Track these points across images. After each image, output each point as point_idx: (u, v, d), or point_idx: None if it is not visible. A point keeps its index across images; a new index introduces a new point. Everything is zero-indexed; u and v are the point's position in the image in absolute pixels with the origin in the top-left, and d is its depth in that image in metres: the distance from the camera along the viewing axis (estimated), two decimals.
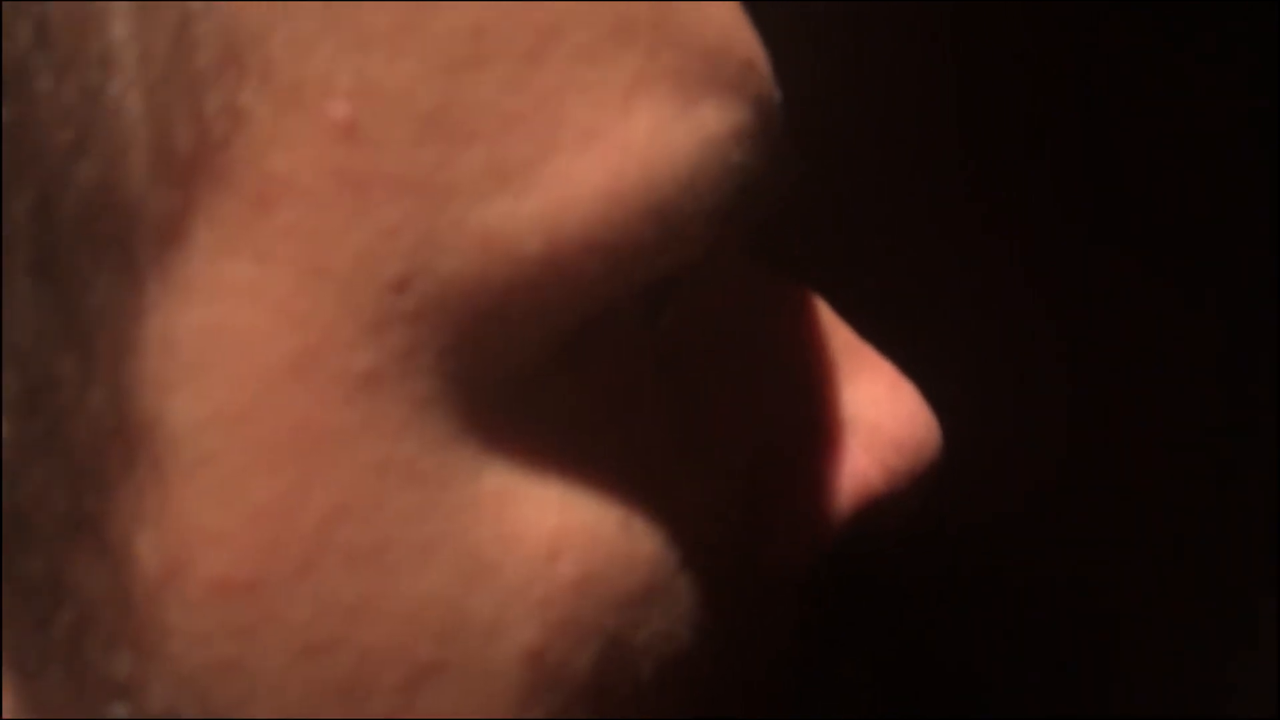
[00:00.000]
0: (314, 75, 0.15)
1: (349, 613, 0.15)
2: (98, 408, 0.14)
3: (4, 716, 0.15)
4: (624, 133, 0.16)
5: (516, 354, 0.16)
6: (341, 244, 0.15)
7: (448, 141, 0.15)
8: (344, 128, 0.15)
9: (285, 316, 0.15)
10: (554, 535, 0.16)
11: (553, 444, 0.17)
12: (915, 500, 0.21)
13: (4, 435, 0.14)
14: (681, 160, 0.16)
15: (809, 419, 0.21)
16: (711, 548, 0.19)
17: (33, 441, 0.14)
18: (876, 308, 0.25)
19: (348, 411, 0.15)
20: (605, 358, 0.17)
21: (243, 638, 0.15)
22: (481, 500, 0.16)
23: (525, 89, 0.15)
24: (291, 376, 0.15)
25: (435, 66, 0.15)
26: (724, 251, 0.20)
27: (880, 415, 0.21)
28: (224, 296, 0.15)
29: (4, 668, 0.15)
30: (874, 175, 0.48)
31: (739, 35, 0.18)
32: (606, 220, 0.16)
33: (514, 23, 0.15)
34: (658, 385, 0.19)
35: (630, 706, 0.17)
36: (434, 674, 0.16)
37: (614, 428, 0.17)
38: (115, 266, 0.14)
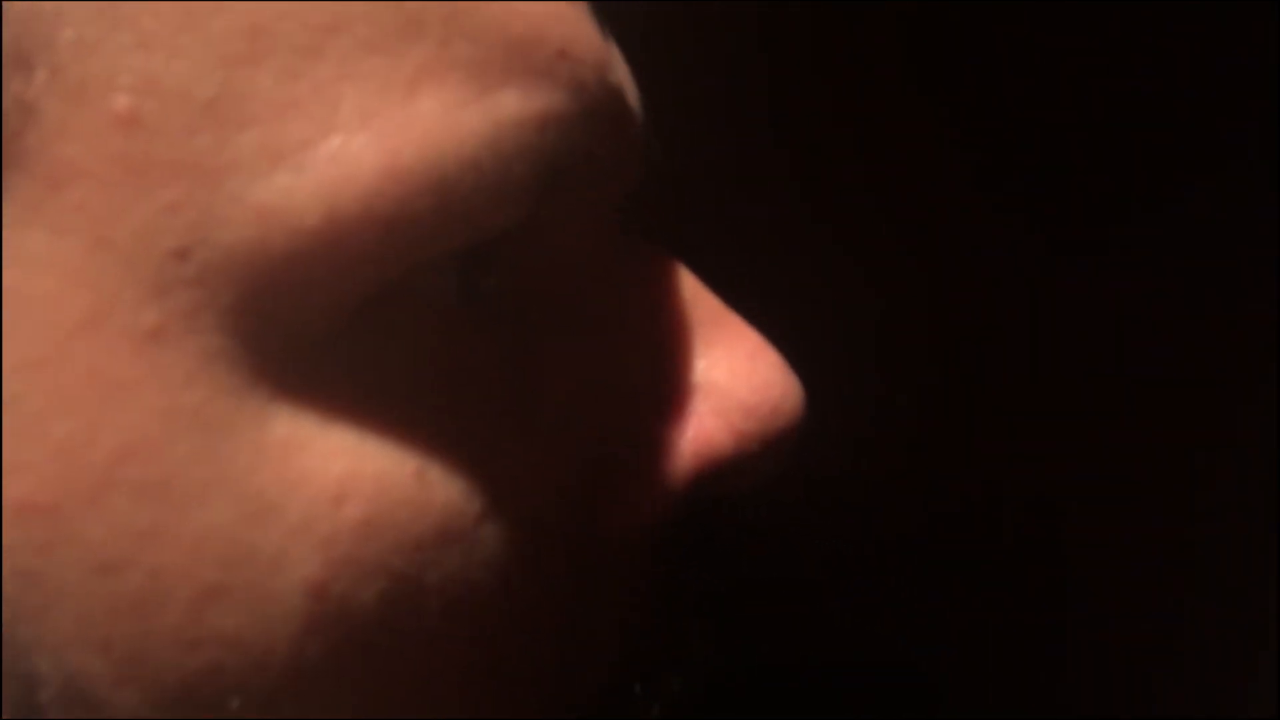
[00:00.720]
0: (98, 73, 0.17)
1: (138, 537, 0.17)
2: None
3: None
4: (405, 115, 0.18)
5: (304, 316, 0.18)
6: (124, 219, 0.17)
7: (224, 127, 0.17)
8: (125, 119, 0.17)
9: (76, 280, 0.17)
10: (340, 480, 0.18)
11: (345, 398, 0.18)
12: (769, 463, 0.22)
13: None
14: (468, 141, 0.18)
15: (662, 385, 0.22)
16: (537, 503, 0.20)
17: None
18: (760, 286, 0.27)
19: (135, 362, 0.17)
20: (407, 321, 0.19)
21: (43, 553, 0.17)
22: (267, 446, 0.18)
23: (301, 78, 0.17)
24: (83, 332, 0.17)
25: (213, 62, 0.17)
26: (572, 222, 0.21)
27: (734, 381, 0.22)
28: (23, 262, 0.17)
29: None
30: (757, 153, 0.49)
31: (554, 27, 0.19)
32: (383, 195, 0.17)
33: (292, 21, 0.17)
34: (482, 347, 0.20)
35: (418, 645, 0.19)
36: (219, 596, 0.18)
37: (416, 386, 0.19)
38: None
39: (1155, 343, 0.60)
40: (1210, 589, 0.64)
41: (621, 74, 0.21)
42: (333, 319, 0.18)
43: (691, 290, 0.23)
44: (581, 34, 0.20)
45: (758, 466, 0.22)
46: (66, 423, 0.17)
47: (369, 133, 0.17)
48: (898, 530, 0.57)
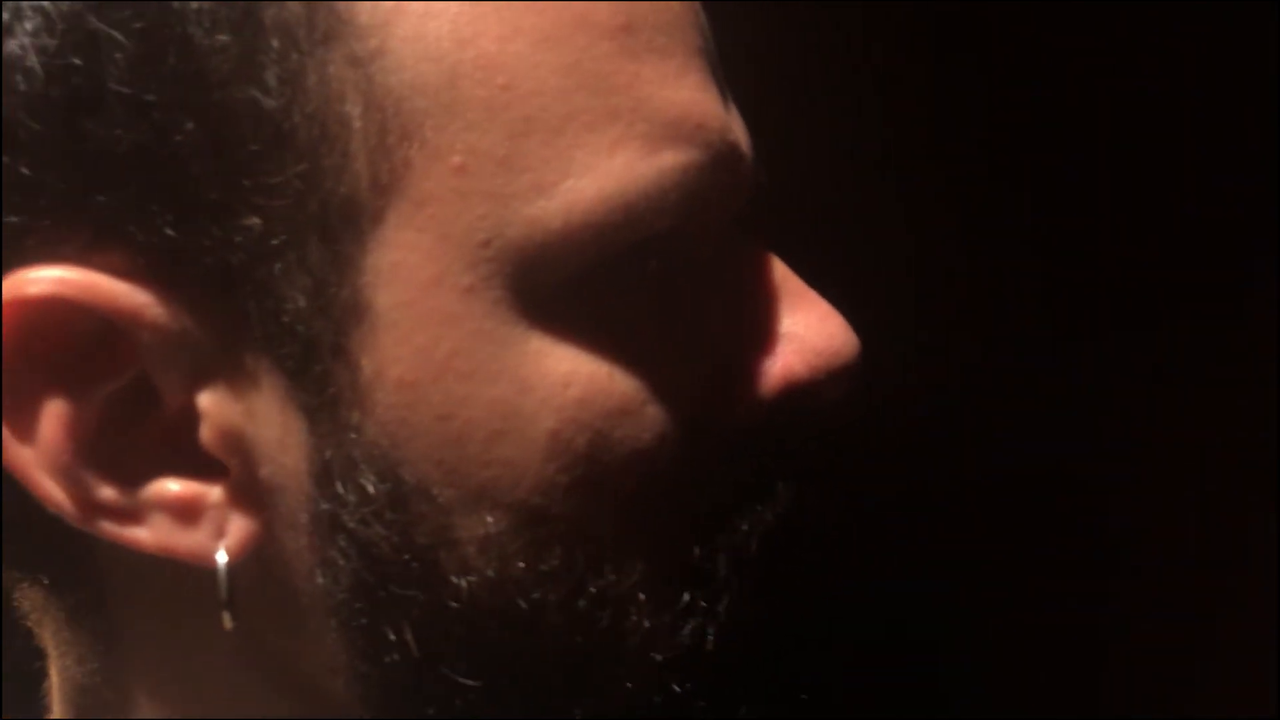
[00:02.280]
0: (445, 143, 0.31)
1: (459, 400, 0.31)
2: (348, 296, 0.31)
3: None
4: (607, 167, 0.31)
5: (551, 280, 0.31)
6: (456, 223, 0.31)
7: (510, 173, 0.31)
8: (458, 169, 0.31)
9: (428, 257, 0.31)
10: (566, 373, 0.32)
11: (571, 327, 0.32)
12: (832, 391, 0.35)
13: (302, 300, 0.31)
14: (643, 183, 0.31)
15: (760, 333, 0.35)
16: (678, 400, 0.33)
17: (319, 310, 0.31)
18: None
19: (459, 304, 0.31)
20: (607, 285, 0.32)
21: (409, 409, 0.31)
22: (528, 352, 0.32)
23: (552, 145, 0.31)
24: (431, 287, 0.31)
25: (504, 135, 0.31)
26: (705, 227, 0.34)
27: (809, 332, 0.35)
28: (401, 247, 0.31)
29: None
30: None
31: (693, 109, 0.32)
32: (596, 212, 0.31)
33: (547, 113, 0.31)
34: (647, 302, 0.33)
35: (608, 483, 0.32)
36: (502, 435, 0.31)
37: (610, 322, 0.32)
38: (353, 234, 0.31)
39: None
40: (1210, 585, 0.68)
41: (738, 130, 0.34)
42: (567, 282, 0.32)
43: (782, 272, 0.36)
44: (711, 109, 0.33)
45: (824, 393, 0.35)
46: (422, 334, 0.31)
47: (588, 178, 0.31)
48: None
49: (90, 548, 0.34)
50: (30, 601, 0.38)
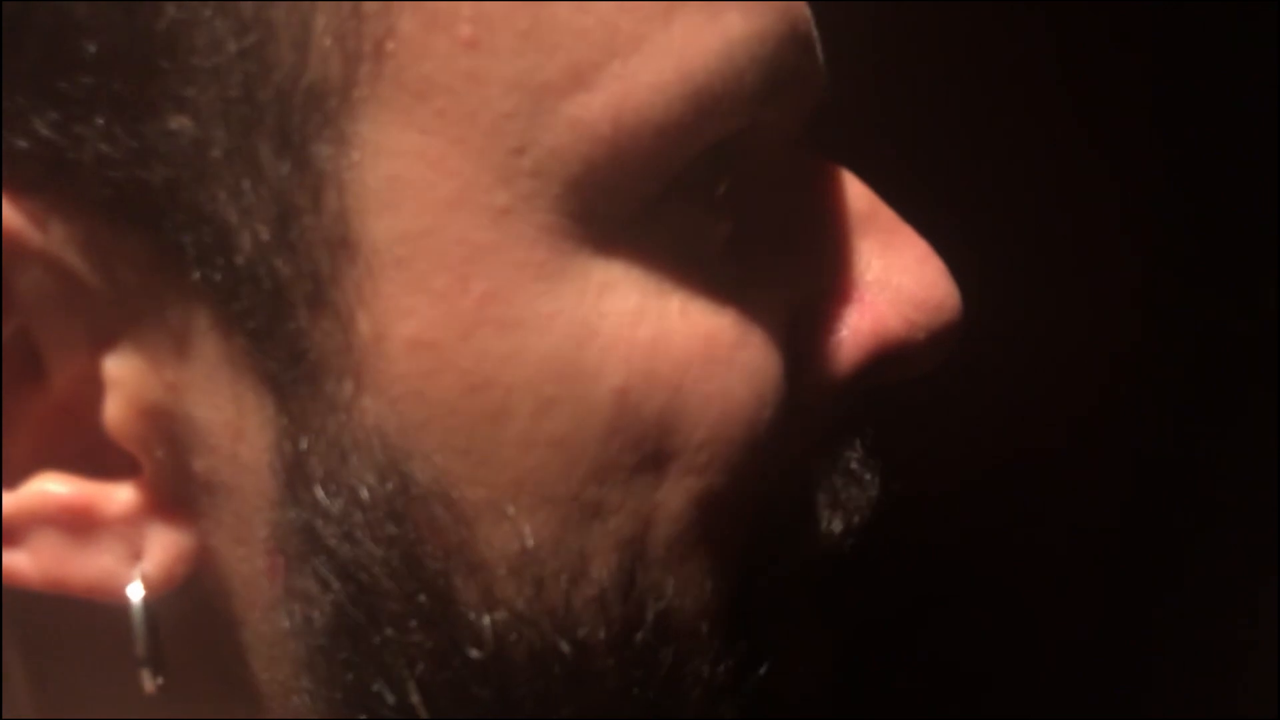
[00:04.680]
0: (447, 7, 0.22)
1: (498, 362, 0.22)
2: (328, 225, 0.22)
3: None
4: (664, 38, 0.23)
5: (610, 201, 0.23)
6: (475, 123, 0.22)
7: (538, 51, 0.22)
8: (468, 42, 0.22)
9: (442, 170, 0.22)
10: (635, 310, 0.23)
11: (638, 257, 0.24)
12: (931, 351, 0.27)
13: (265, 234, 0.22)
14: (709, 58, 0.23)
15: (847, 275, 0.27)
16: (764, 346, 0.25)
17: (287, 246, 0.22)
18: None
19: (493, 231, 0.22)
20: (675, 212, 0.24)
21: (426, 378, 0.22)
22: (588, 288, 0.23)
23: (588, 9, 0.22)
24: (451, 209, 0.22)
25: None
26: (778, 137, 0.26)
27: (907, 280, 0.27)
28: (401, 156, 0.22)
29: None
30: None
31: None
32: (653, 105, 0.23)
33: None
34: (718, 231, 0.25)
35: (685, 460, 0.24)
36: (553, 406, 0.23)
37: (680, 253, 0.24)
38: (328, 137, 0.22)
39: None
40: (1209, 589, 0.67)
41: (808, 16, 0.26)
42: (631, 205, 0.23)
43: (870, 202, 0.28)
44: None
45: (922, 353, 0.27)
46: (443, 277, 0.22)
47: (639, 55, 0.23)
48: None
49: None
50: None
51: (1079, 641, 0.65)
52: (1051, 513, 0.63)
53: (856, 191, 0.28)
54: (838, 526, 0.27)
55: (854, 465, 0.28)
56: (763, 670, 0.26)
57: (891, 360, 0.27)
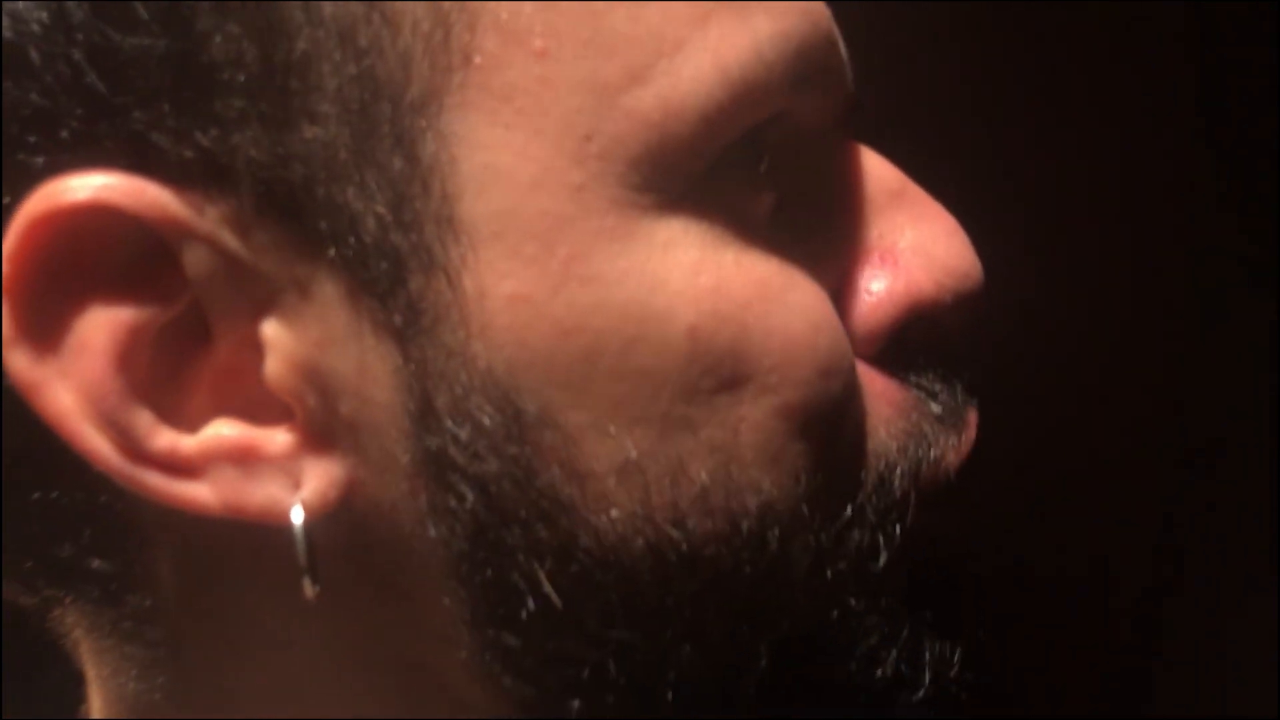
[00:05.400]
0: (523, 25, 0.27)
1: (585, 311, 0.27)
2: (436, 207, 0.27)
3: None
4: (702, 40, 0.28)
5: (667, 176, 0.28)
6: (549, 117, 0.27)
7: (598, 56, 0.27)
8: (540, 53, 0.27)
9: (525, 157, 0.27)
10: (696, 261, 0.28)
11: (697, 221, 0.28)
12: (957, 312, 0.32)
13: (385, 216, 0.27)
14: (741, 53, 0.28)
15: (883, 243, 0.32)
16: (814, 293, 0.30)
17: (403, 225, 0.27)
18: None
19: (571, 205, 0.27)
20: (724, 185, 0.29)
21: (525, 327, 0.27)
22: (655, 244, 0.28)
23: (639, 19, 0.28)
24: (534, 189, 0.27)
25: (586, 13, 0.27)
26: (811, 121, 0.31)
27: (938, 249, 0.32)
28: (490, 148, 0.27)
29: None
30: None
31: None
32: (695, 95, 0.28)
33: None
34: (761, 202, 0.30)
35: (760, 379, 0.28)
36: (635, 344, 0.28)
37: (730, 215, 0.29)
38: (431, 137, 0.27)
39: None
40: (1209, 589, 0.67)
41: (829, 14, 0.31)
42: (684, 179, 0.28)
43: (901, 181, 0.33)
44: None
45: (949, 314, 0.32)
46: (532, 244, 0.27)
47: (682, 55, 0.28)
48: None
49: (144, 541, 0.30)
50: (70, 620, 0.33)
51: (1079, 641, 0.65)
52: (1051, 512, 0.65)
53: (889, 172, 0.33)
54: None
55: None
56: (858, 539, 0.30)
57: (922, 320, 0.32)
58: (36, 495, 0.29)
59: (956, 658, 0.32)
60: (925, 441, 0.31)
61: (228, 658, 0.31)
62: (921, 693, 0.31)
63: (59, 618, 0.33)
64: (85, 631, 0.33)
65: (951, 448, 0.32)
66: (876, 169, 0.33)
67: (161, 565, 0.30)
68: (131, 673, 0.32)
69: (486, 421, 0.27)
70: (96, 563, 0.30)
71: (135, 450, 0.27)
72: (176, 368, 0.28)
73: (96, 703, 0.34)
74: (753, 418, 0.29)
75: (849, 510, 0.30)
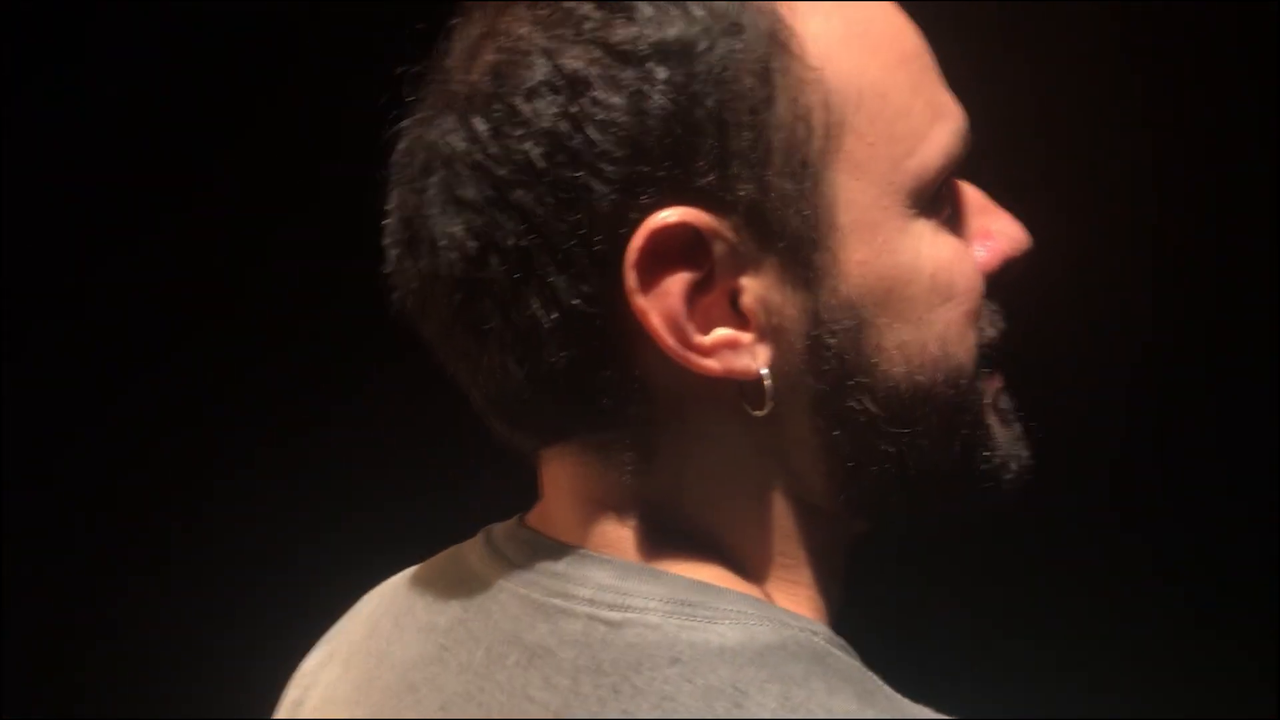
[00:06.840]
0: (864, 129, 0.56)
1: (888, 267, 0.57)
2: (818, 214, 0.56)
3: None
4: (936, 134, 0.58)
5: (918, 201, 0.57)
6: (874, 173, 0.56)
7: (896, 144, 0.56)
8: (872, 144, 0.56)
9: (864, 194, 0.56)
10: (932, 242, 0.58)
11: (928, 220, 0.58)
12: (1022, 266, 0.61)
13: (794, 218, 0.56)
14: (946, 139, 0.58)
15: (986, 230, 0.62)
16: (970, 259, 0.60)
17: (803, 220, 0.56)
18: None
19: (882, 215, 0.56)
20: (937, 201, 0.58)
21: (866, 279, 0.56)
22: (916, 234, 0.57)
23: (911, 127, 0.57)
24: (867, 209, 0.56)
25: (889, 124, 0.56)
26: (955, 172, 0.60)
27: (1011, 230, 0.62)
28: (848, 188, 0.56)
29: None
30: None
31: (950, 97, 0.59)
32: (934, 158, 0.57)
33: (907, 110, 0.57)
34: (945, 221, 0.59)
35: (960, 302, 0.58)
36: (910, 282, 0.57)
37: (939, 218, 0.59)
38: (808, 174, 0.56)
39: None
40: (1209, 591, 0.67)
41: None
42: (927, 201, 0.57)
43: (984, 197, 0.62)
44: (952, 99, 0.59)
45: (1017, 265, 0.61)
46: (867, 233, 0.56)
47: (927, 142, 0.57)
48: None
49: (651, 393, 0.56)
50: (568, 452, 0.59)
51: (1078, 641, 0.65)
52: (1050, 511, 0.65)
53: (977, 192, 0.62)
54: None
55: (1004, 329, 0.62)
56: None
57: (1006, 266, 0.61)
58: (606, 373, 0.55)
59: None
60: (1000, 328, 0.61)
61: (686, 453, 0.58)
62: (1023, 476, 0.60)
63: (543, 454, 0.61)
64: (575, 455, 0.59)
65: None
66: (971, 191, 0.62)
67: (659, 406, 0.57)
68: (625, 468, 0.58)
69: (844, 324, 0.56)
70: (633, 409, 0.56)
71: (686, 343, 0.54)
72: (701, 302, 0.55)
73: (561, 503, 0.61)
74: (953, 317, 0.58)
75: (987, 365, 0.60)
